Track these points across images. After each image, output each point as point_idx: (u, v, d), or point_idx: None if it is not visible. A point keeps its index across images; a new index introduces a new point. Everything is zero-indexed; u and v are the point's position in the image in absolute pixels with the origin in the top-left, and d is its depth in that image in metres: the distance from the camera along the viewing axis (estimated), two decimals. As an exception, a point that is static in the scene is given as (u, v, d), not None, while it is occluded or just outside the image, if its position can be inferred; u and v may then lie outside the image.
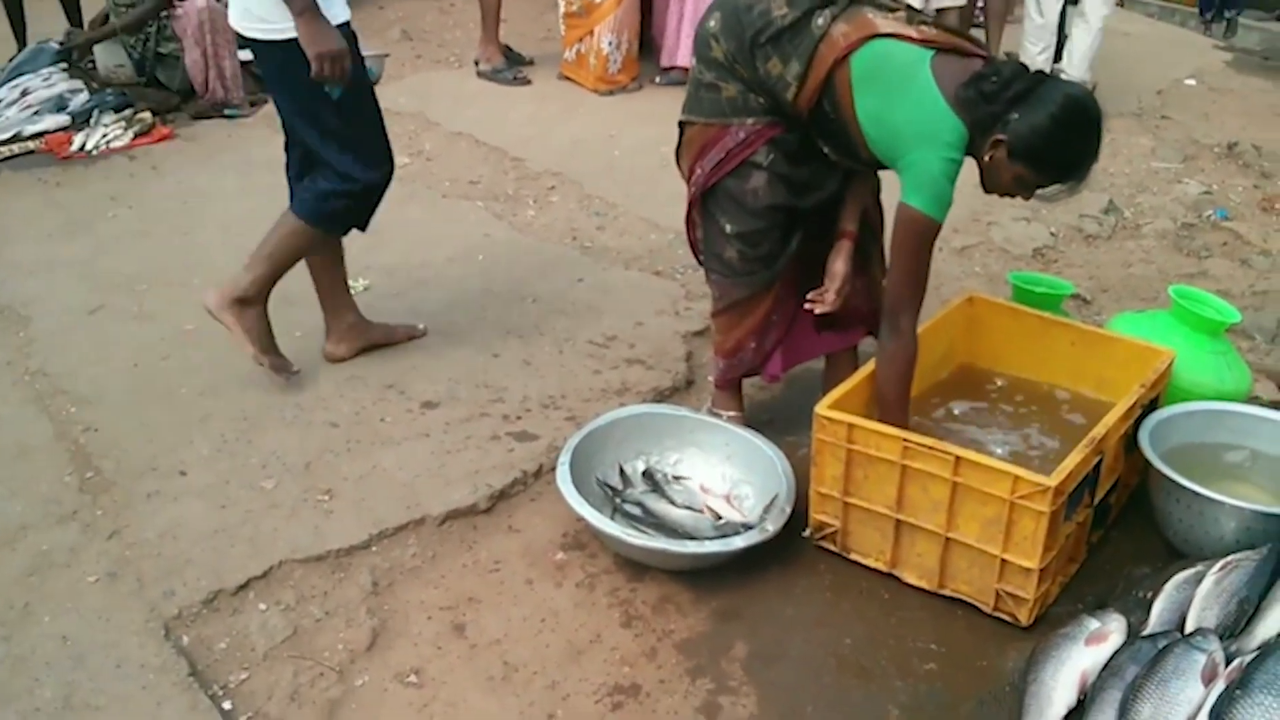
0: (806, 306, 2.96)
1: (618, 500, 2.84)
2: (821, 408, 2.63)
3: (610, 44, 6.14)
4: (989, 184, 2.63)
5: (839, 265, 2.92)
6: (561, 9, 6.26)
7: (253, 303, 3.27)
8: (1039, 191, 2.60)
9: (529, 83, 6.36)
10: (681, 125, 2.92)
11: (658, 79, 6.37)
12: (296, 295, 3.51)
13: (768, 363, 3.09)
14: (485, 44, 6.41)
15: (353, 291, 3.91)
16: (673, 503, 2.84)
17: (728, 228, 2.90)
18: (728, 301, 3.00)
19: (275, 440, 3.12)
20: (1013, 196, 2.66)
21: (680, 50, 6.14)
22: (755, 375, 3.16)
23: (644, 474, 2.93)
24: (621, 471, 2.93)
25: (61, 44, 5.86)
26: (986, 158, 2.54)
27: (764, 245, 2.89)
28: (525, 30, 7.05)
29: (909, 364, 2.69)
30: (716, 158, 2.83)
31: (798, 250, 2.95)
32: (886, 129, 2.60)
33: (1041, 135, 2.47)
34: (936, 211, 2.56)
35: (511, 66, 6.45)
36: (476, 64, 6.47)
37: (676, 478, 2.95)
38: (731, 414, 3.15)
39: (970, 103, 2.50)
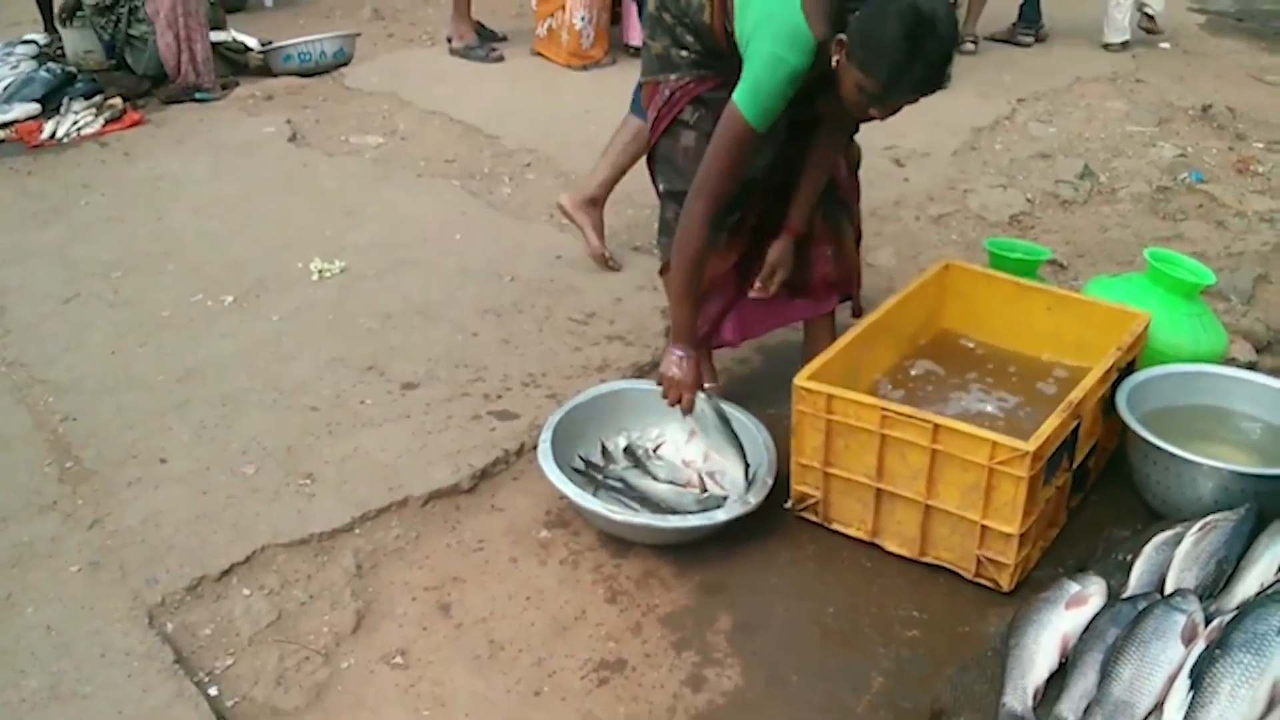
0: (751, 294, 2.94)
1: (600, 477, 2.84)
2: (800, 379, 2.63)
3: (583, 19, 6.10)
4: (844, 100, 2.46)
5: (775, 255, 2.89)
6: None
7: (599, 203, 3.92)
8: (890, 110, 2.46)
9: (502, 59, 6.33)
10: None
11: (632, 52, 6.34)
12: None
13: (718, 332, 3.09)
14: (457, 21, 6.38)
15: (328, 274, 3.92)
16: (655, 478, 2.85)
17: (661, 187, 2.92)
18: (666, 259, 2.98)
19: (255, 425, 3.11)
20: (868, 118, 2.54)
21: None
22: (715, 346, 3.15)
23: (625, 450, 2.94)
24: (603, 448, 2.94)
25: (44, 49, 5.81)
26: (834, 61, 2.40)
27: None
28: (497, 7, 7.02)
29: (690, 256, 2.66)
30: (651, 117, 2.86)
31: (743, 220, 2.89)
32: (744, 26, 2.53)
33: (870, 27, 2.31)
34: (749, 111, 2.48)
35: (484, 44, 6.41)
36: (449, 42, 6.43)
37: (657, 451, 2.96)
38: (707, 385, 3.15)
39: (828, 3, 2.38)
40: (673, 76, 2.78)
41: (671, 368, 2.82)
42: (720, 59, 2.69)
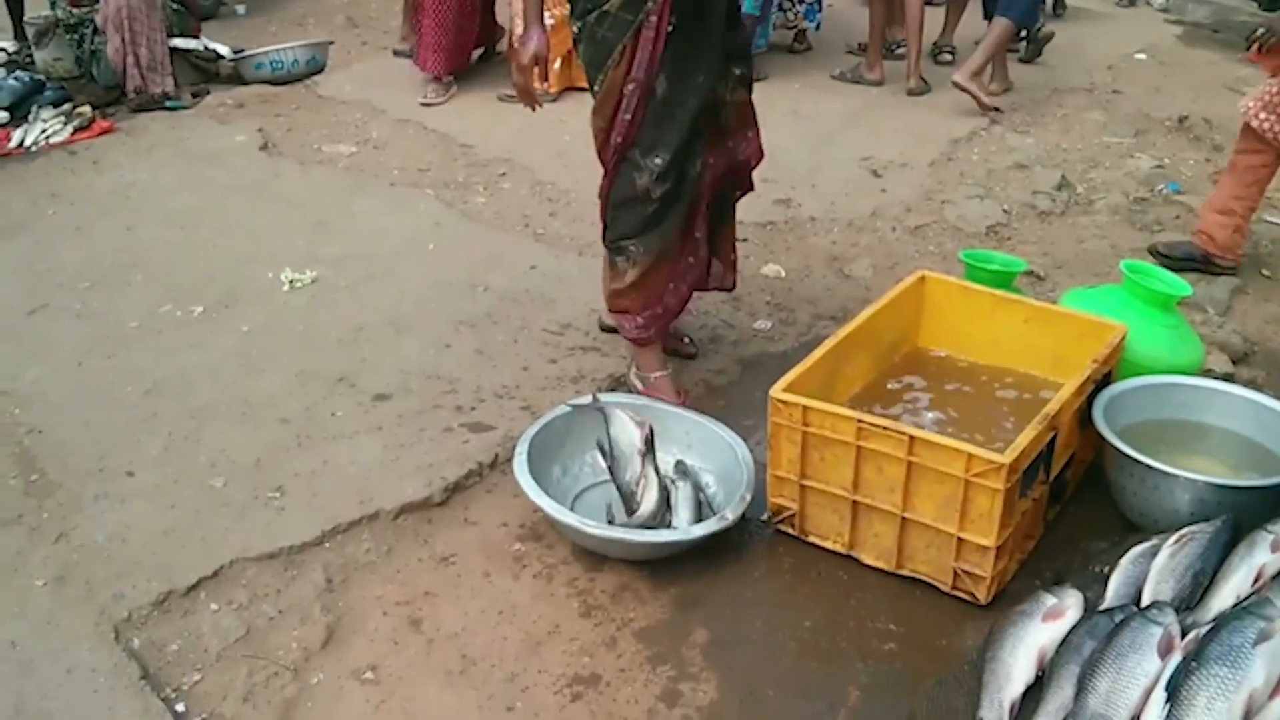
0: None
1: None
2: (775, 390, 2.61)
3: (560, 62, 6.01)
4: None
5: None
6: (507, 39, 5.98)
7: (980, 72, 5.62)
8: None
9: None
10: None
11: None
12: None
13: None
14: (403, 25, 6.45)
15: (299, 284, 3.88)
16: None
17: None
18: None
19: (224, 438, 3.07)
20: None
21: None
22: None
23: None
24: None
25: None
26: None
27: None
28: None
29: None
30: None
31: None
32: None
33: None
34: None
35: None
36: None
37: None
38: (658, 374, 3.17)
39: None
40: None
41: (527, 42, 3.00)
42: None
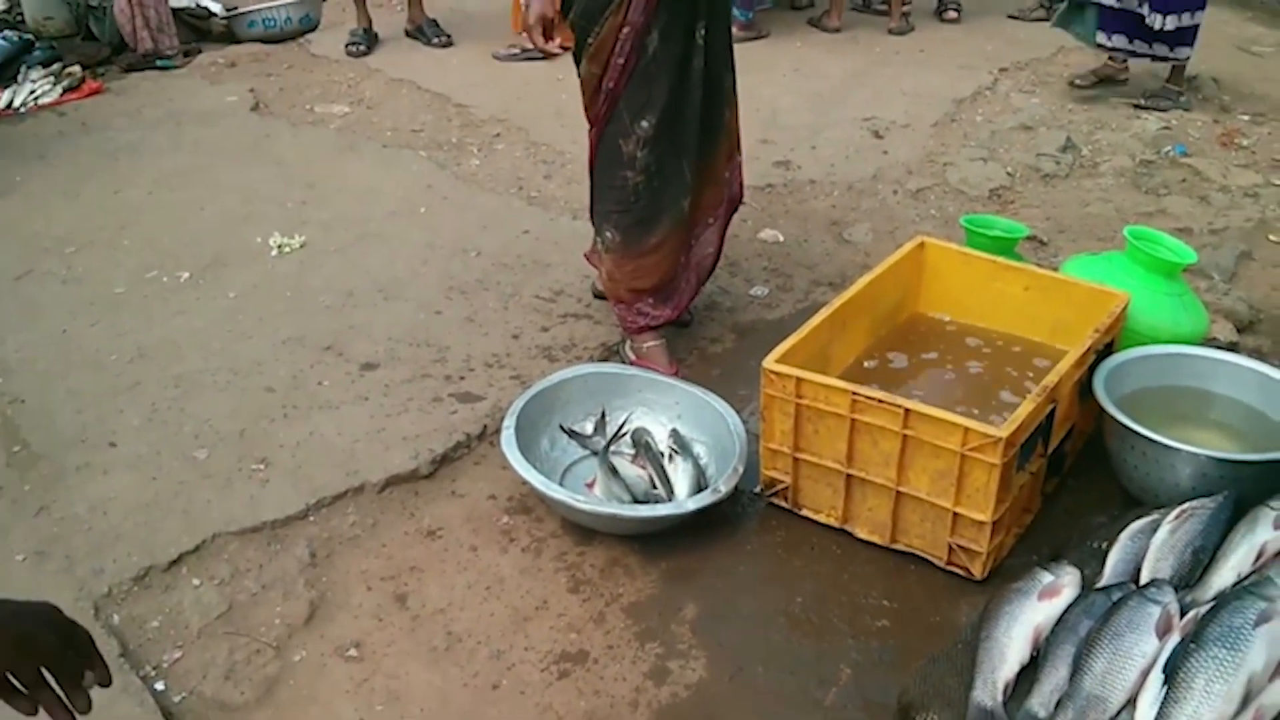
0: None
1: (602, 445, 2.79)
2: (769, 361, 2.55)
3: None
4: None
5: None
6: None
7: None
8: None
9: (450, 44, 6.01)
10: None
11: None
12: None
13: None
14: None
15: (288, 249, 3.82)
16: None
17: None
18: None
19: (208, 407, 3.02)
20: None
21: None
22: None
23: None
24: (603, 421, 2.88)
25: None
26: None
27: None
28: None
29: None
30: None
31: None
32: None
33: None
34: None
35: (433, 31, 6.10)
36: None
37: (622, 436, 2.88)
38: (651, 344, 3.13)
39: None
40: None
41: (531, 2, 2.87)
42: None
